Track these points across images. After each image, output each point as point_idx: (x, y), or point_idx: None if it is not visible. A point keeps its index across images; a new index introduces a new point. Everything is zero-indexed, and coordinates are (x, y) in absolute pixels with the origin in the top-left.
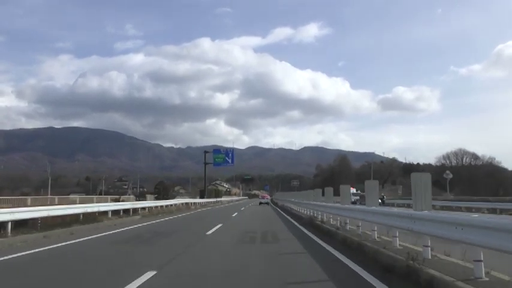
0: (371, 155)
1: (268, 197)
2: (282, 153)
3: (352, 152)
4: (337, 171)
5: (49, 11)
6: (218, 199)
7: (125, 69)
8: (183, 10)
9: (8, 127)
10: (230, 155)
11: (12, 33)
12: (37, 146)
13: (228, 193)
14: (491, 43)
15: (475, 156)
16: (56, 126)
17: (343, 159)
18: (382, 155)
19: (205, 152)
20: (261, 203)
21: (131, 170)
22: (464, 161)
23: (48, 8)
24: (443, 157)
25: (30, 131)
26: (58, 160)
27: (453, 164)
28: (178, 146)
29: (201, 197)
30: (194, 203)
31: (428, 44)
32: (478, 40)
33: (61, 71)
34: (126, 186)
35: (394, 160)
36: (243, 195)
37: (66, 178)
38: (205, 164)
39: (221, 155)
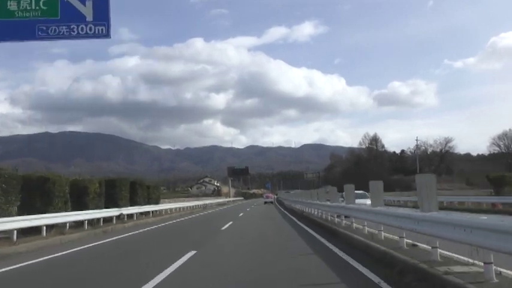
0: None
1: (272, 196)
2: (282, 152)
3: (351, 148)
4: (365, 159)
5: None
6: (126, 210)
7: (120, 72)
8: (179, 13)
9: (4, 134)
10: None
11: None
12: (33, 151)
13: (217, 193)
14: (485, 36)
15: None
16: (52, 132)
17: (373, 141)
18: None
19: None
20: (265, 203)
21: (129, 173)
22: None
23: None
24: (499, 137)
25: (26, 137)
26: (55, 165)
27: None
28: (176, 148)
29: None
30: None
31: (422, 38)
32: (471, 33)
33: (57, 77)
34: None
35: (447, 139)
36: (235, 196)
37: None
38: None
39: None
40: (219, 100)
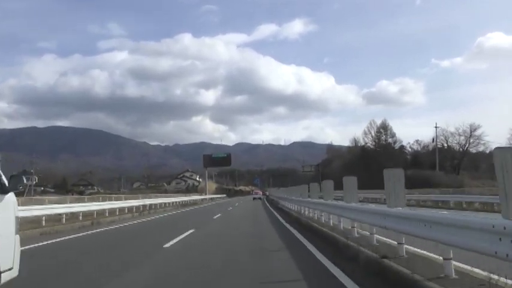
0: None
1: (261, 192)
2: (271, 149)
3: (342, 146)
4: (372, 150)
5: (32, 11)
6: None
7: (108, 67)
8: (168, 8)
9: None
10: None
11: None
12: (19, 146)
13: (195, 189)
14: (471, 36)
15: None
16: (39, 126)
17: (382, 130)
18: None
19: None
20: (254, 199)
21: (117, 169)
22: None
23: (32, 8)
24: None
25: (12, 131)
26: (41, 160)
27: None
28: (165, 144)
29: None
30: None
31: (410, 37)
32: (458, 33)
33: (44, 71)
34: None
35: (473, 126)
36: (216, 192)
37: None
38: None
39: None
40: (208, 96)
